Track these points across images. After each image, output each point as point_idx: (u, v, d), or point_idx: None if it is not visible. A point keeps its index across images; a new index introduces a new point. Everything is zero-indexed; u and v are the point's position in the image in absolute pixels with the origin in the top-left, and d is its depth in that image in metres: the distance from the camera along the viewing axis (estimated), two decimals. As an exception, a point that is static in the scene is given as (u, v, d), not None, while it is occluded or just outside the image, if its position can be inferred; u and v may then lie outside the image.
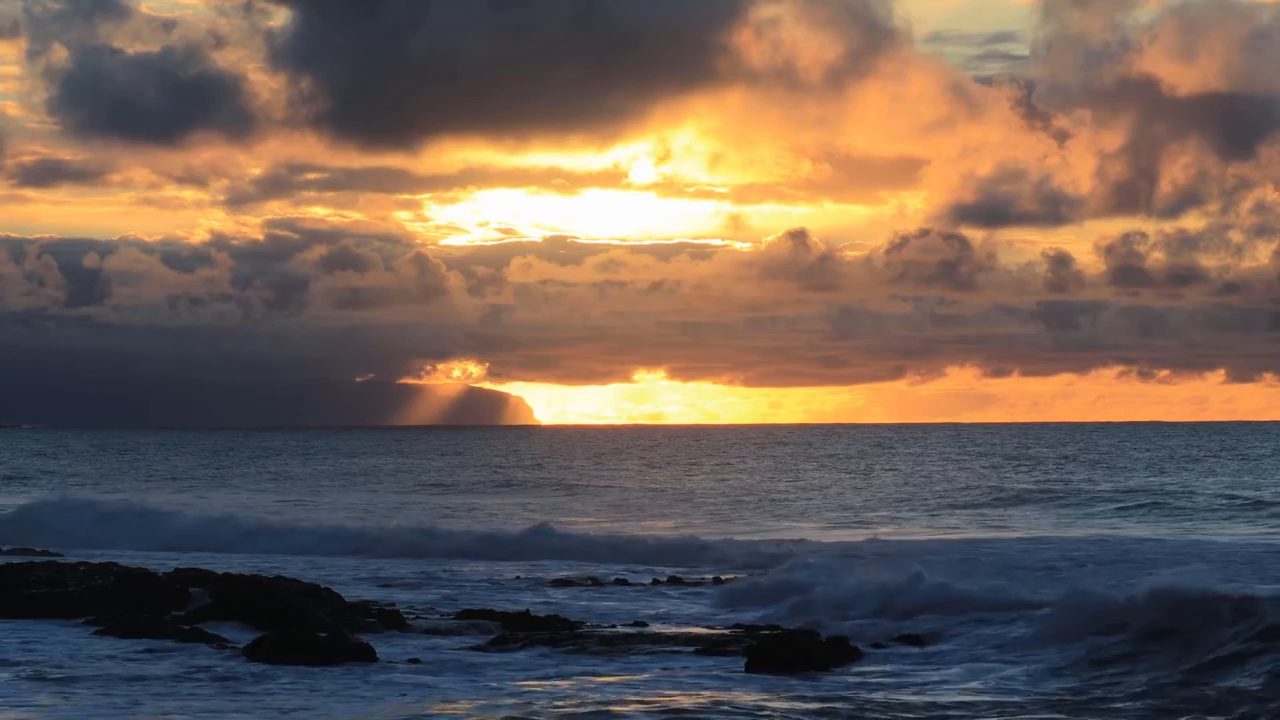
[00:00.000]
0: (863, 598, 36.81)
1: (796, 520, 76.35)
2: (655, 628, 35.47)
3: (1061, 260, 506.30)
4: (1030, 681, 27.83)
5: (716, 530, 67.26)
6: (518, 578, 48.19)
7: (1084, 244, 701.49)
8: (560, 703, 25.54)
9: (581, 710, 24.94)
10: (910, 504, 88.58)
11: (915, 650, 31.56)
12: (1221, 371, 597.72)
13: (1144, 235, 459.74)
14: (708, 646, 32.06)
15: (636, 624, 36.04)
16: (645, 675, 28.73)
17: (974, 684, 27.80)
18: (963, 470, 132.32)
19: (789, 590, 39.47)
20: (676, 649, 32.01)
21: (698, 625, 36.38)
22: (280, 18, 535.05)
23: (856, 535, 63.76)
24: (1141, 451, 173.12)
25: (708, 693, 26.75)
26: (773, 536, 62.09)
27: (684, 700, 25.87)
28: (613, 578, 48.02)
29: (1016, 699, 26.27)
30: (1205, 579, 33.03)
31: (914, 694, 26.82)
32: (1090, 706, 25.66)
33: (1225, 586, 32.14)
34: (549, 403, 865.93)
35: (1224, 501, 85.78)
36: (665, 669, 29.52)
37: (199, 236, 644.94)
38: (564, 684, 27.60)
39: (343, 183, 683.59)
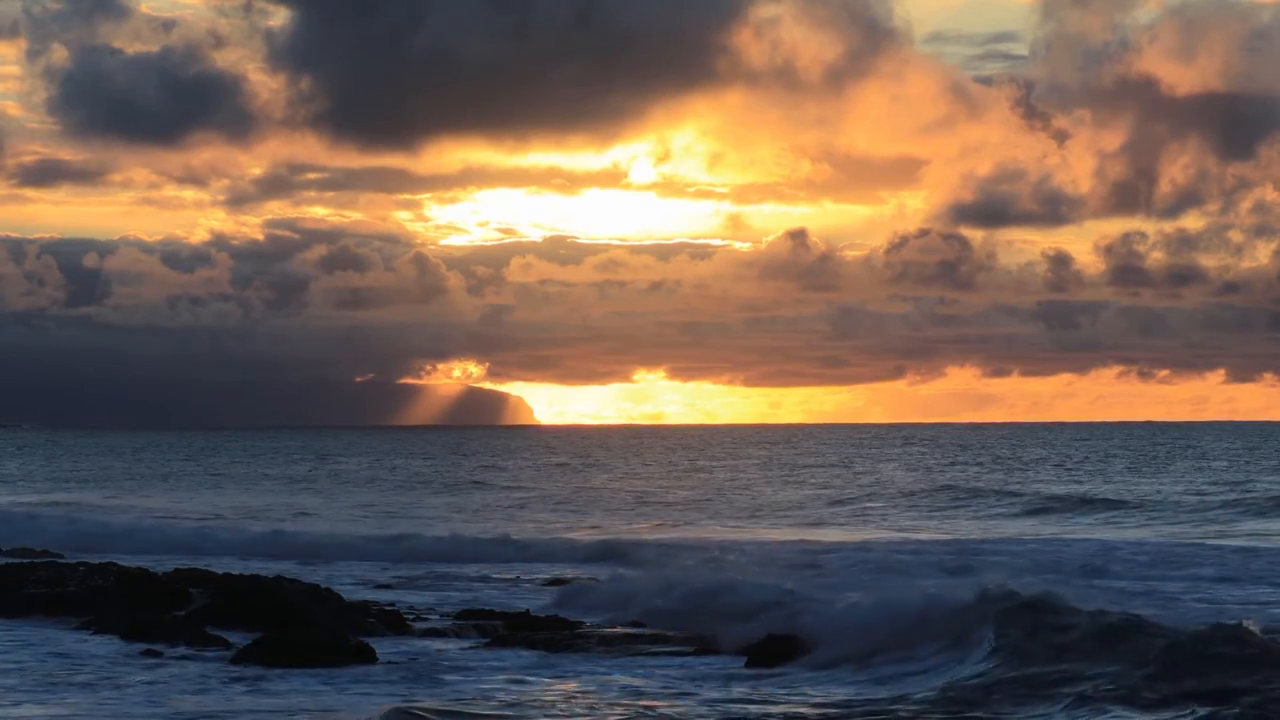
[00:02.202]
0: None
1: (707, 519, 76.21)
2: (654, 628, 35.48)
3: (1061, 260, 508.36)
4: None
5: (628, 531, 67.66)
6: (517, 578, 48.24)
7: (1084, 244, 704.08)
8: (560, 703, 25.57)
9: (582, 710, 24.98)
10: (833, 503, 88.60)
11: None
12: (1221, 371, 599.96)
13: (1144, 235, 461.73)
14: (706, 645, 32.15)
15: (634, 624, 36.05)
16: (645, 675, 28.78)
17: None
18: (916, 470, 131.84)
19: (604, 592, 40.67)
20: (677, 648, 32.13)
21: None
22: (280, 18, 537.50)
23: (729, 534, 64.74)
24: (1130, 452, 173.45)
25: (708, 691, 26.80)
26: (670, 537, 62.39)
27: (684, 699, 25.91)
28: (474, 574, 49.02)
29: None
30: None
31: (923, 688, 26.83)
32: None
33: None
34: (549, 403, 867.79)
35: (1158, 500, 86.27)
36: (665, 668, 29.58)
37: (199, 236, 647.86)
38: (564, 684, 27.63)
39: (343, 183, 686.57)
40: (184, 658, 30.17)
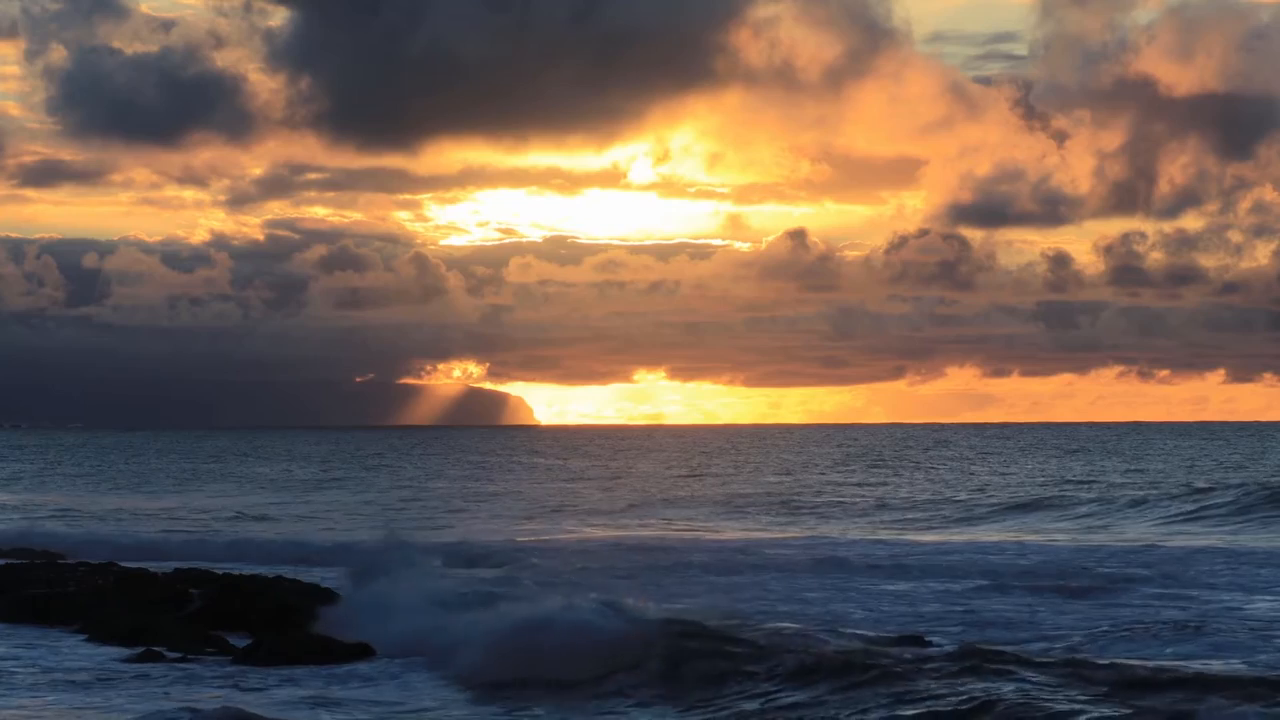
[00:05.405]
0: None
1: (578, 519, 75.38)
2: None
3: (1061, 260, 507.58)
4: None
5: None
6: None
7: (1083, 244, 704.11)
8: (558, 703, 25.71)
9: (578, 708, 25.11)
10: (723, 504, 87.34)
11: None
12: (1221, 371, 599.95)
13: (1143, 235, 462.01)
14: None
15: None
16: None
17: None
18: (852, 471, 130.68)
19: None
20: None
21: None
22: (280, 18, 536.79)
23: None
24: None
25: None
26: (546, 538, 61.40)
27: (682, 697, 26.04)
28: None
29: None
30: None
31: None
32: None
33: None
34: (549, 403, 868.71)
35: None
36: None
37: (199, 236, 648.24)
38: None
39: (343, 183, 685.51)
40: (184, 659, 30.17)
